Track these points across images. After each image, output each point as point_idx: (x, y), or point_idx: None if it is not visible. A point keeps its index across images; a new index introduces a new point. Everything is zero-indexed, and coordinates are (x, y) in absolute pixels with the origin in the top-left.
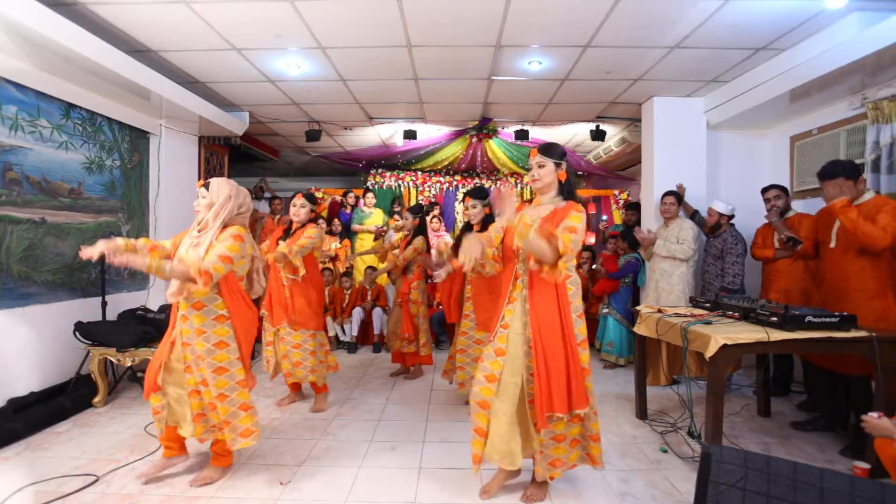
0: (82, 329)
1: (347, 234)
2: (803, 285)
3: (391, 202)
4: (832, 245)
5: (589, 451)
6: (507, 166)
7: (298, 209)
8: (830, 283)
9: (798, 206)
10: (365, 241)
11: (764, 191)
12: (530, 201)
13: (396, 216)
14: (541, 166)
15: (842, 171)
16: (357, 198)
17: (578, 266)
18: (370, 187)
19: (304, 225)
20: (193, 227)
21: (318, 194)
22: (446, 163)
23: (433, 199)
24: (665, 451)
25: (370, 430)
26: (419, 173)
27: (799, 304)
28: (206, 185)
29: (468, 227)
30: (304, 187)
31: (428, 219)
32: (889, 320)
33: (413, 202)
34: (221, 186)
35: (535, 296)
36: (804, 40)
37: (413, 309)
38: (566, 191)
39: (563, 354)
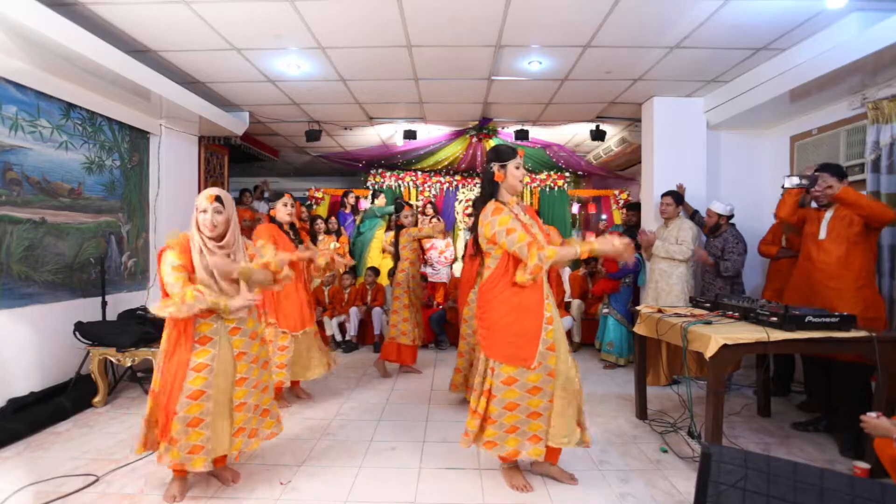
0: (82, 329)
1: (340, 232)
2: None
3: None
4: (821, 237)
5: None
6: None
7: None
8: (822, 273)
9: None
10: (377, 245)
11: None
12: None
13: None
14: (517, 168)
15: (830, 168)
16: (357, 198)
17: (577, 266)
18: (380, 188)
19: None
20: (206, 242)
21: (318, 194)
22: (446, 163)
23: (432, 199)
24: (665, 451)
25: (370, 430)
26: (419, 173)
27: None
28: (219, 199)
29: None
30: (304, 187)
31: (427, 218)
32: (874, 307)
33: (413, 202)
34: (229, 200)
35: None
36: (804, 40)
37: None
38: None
39: None
